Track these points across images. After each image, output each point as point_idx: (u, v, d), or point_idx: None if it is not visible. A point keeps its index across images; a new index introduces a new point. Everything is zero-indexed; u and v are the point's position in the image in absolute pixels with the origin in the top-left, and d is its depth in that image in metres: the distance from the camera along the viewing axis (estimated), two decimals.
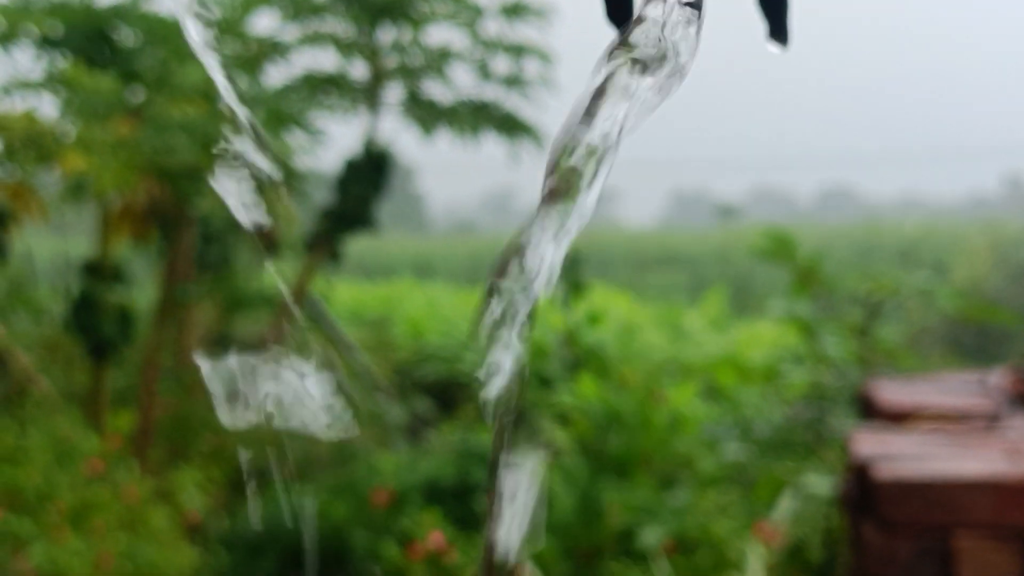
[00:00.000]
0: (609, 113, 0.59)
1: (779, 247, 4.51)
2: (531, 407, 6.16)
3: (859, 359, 4.38)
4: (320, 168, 6.03)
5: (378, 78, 5.85)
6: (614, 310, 7.07)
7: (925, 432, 2.49)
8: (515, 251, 0.57)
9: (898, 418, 2.64)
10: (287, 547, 4.54)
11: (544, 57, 5.74)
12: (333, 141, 5.77)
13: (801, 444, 4.31)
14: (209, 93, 4.98)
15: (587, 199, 0.59)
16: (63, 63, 4.98)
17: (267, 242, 5.95)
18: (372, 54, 5.83)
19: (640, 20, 0.59)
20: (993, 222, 10.77)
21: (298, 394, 0.68)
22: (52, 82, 4.92)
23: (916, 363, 4.76)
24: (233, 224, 5.81)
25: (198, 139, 4.75)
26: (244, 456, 5.21)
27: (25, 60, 4.99)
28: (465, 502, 4.60)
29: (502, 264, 0.57)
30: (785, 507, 3.98)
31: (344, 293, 8.12)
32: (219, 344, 6.04)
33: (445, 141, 5.76)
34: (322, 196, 5.94)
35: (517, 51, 5.72)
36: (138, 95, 4.97)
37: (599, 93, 0.59)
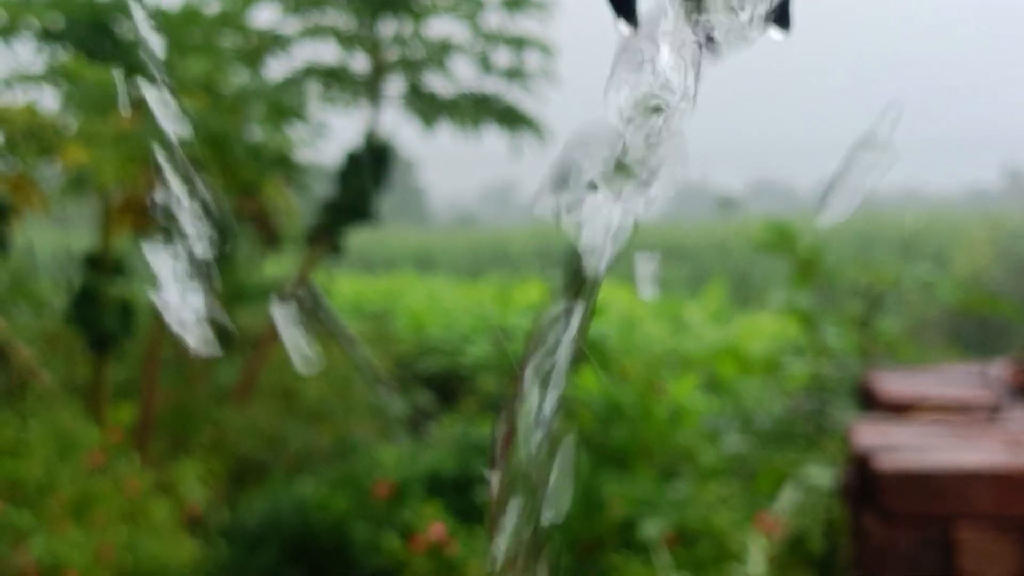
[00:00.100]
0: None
1: (779, 239, 4.51)
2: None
3: (860, 351, 4.39)
4: (321, 161, 6.03)
5: (379, 71, 5.85)
6: (614, 303, 7.07)
7: (926, 423, 2.50)
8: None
9: (899, 409, 2.64)
10: (288, 539, 4.55)
11: (545, 50, 5.74)
12: (334, 134, 5.77)
13: (802, 436, 4.31)
14: (211, 86, 4.98)
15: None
16: (64, 56, 4.98)
17: (268, 236, 5.95)
18: (373, 47, 5.83)
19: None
20: (994, 214, 10.77)
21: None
22: (53, 75, 4.92)
23: (917, 355, 4.76)
24: (234, 217, 5.81)
25: (199, 132, 4.75)
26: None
27: (26, 53, 4.99)
28: (466, 494, 4.61)
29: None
30: (786, 499, 3.99)
31: (345, 286, 8.12)
32: (220, 337, 6.04)
33: (446, 134, 5.76)
34: (323, 189, 5.94)
35: (518, 44, 5.72)
36: (139, 88, 4.97)
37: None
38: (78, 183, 4.94)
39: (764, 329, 6.92)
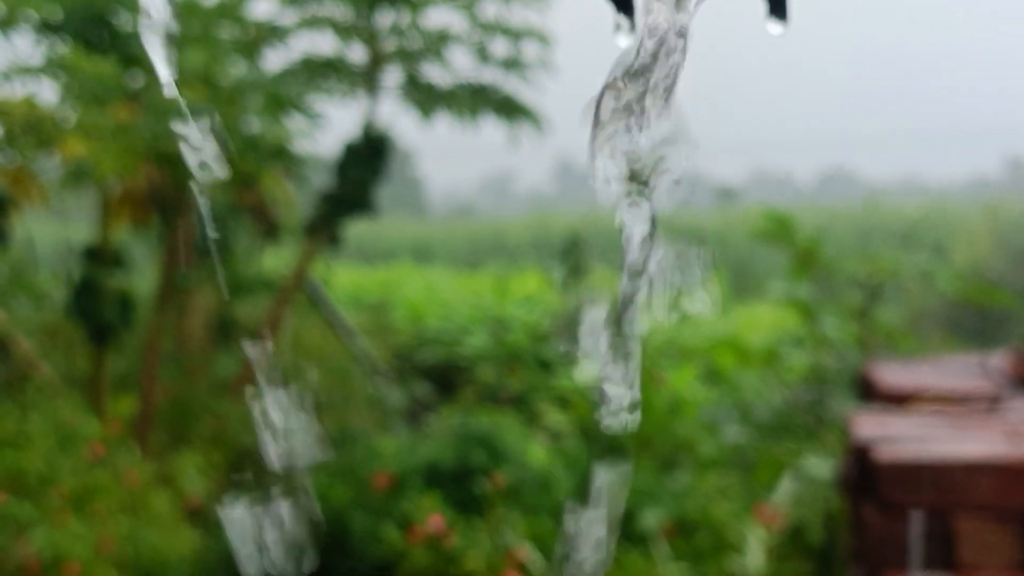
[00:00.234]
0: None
1: (779, 229, 4.51)
2: (531, 391, 6.16)
3: (859, 341, 4.39)
4: (319, 152, 6.03)
5: (376, 62, 5.84)
6: (614, 293, 7.07)
7: (925, 414, 2.50)
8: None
9: (898, 400, 2.64)
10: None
11: (543, 40, 5.73)
12: (332, 125, 5.77)
13: (801, 427, 4.31)
14: (209, 78, 4.98)
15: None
16: (63, 48, 4.98)
17: (266, 227, 5.95)
18: (370, 38, 5.82)
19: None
20: (994, 204, 10.76)
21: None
22: (52, 67, 4.91)
23: (916, 345, 4.76)
24: (233, 209, 5.81)
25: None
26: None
27: (25, 45, 4.99)
28: (465, 485, 4.61)
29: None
30: (785, 489, 3.99)
31: (343, 277, 8.12)
32: (220, 329, 6.05)
33: (444, 125, 5.75)
34: (321, 180, 5.94)
35: (515, 34, 5.71)
36: (137, 80, 4.97)
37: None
38: (77, 175, 4.94)
39: (763, 320, 6.92)
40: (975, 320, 7.34)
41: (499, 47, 5.74)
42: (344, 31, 5.79)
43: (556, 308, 6.73)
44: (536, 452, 4.93)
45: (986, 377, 2.82)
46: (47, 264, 6.39)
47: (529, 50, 5.74)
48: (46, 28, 5.01)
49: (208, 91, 4.86)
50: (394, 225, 12.50)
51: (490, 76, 5.76)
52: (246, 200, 5.82)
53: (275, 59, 5.79)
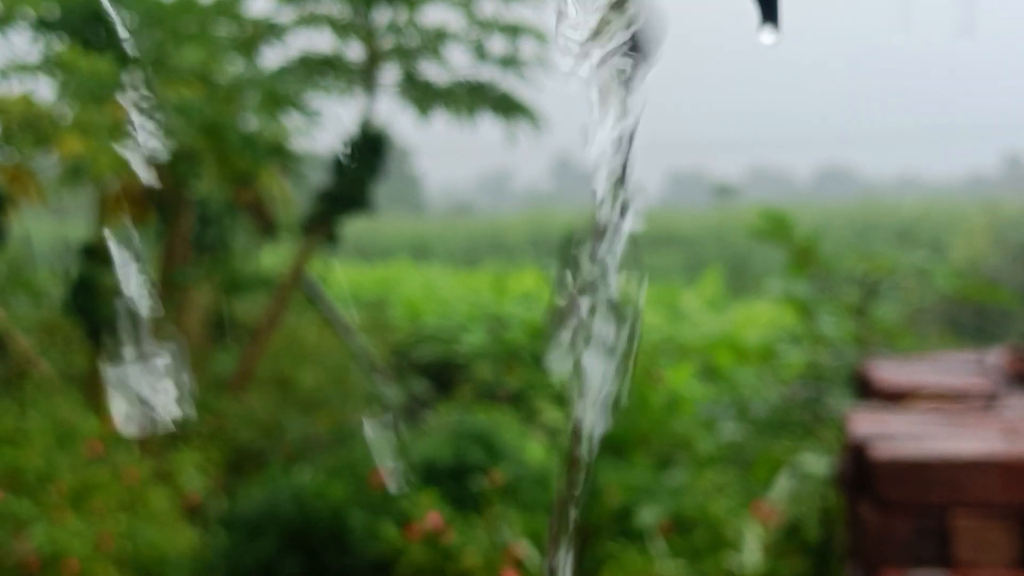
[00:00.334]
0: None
1: (776, 227, 4.51)
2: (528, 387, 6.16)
3: (856, 339, 4.39)
4: (316, 150, 6.03)
5: (374, 59, 5.84)
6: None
7: (923, 412, 2.50)
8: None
9: (895, 398, 2.65)
10: (286, 528, 4.55)
11: (540, 37, 5.73)
12: (329, 123, 5.77)
13: (798, 424, 4.32)
14: (206, 75, 4.98)
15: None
16: (60, 46, 4.97)
17: (264, 225, 5.95)
18: (368, 35, 5.82)
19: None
20: (992, 201, 10.77)
21: None
22: (49, 65, 4.91)
23: (914, 343, 4.76)
24: (230, 206, 5.81)
25: (195, 122, 4.75)
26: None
27: (22, 43, 4.98)
28: (462, 483, 4.61)
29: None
30: (782, 487, 4.00)
31: (341, 275, 8.12)
32: (218, 327, 6.05)
33: (441, 122, 5.75)
34: (319, 178, 5.94)
35: (513, 31, 5.71)
36: (135, 78, 4.96)
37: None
38: (74, 173, 4.93)
39: (761, 317, 6.93)
40: (973, 317, 7.35)
41: (497, 45, 5.74)
42: (341, 29, 5.79)
43: (550, 304, 6.75)
44: (534, 449, 4.94)
45: (983, 374, 2.82)
46: (45, 262, 6.39)
47: (526, 48, 5.74)
48: (43, 25, 5.01)
49: (206, 89, 4.86)
50: (392, 223, 12.50)
51: (488, 74, 5.77)
52: (244, 198, 5.82)
53: (273, 57, 5.80)
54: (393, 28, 5.79)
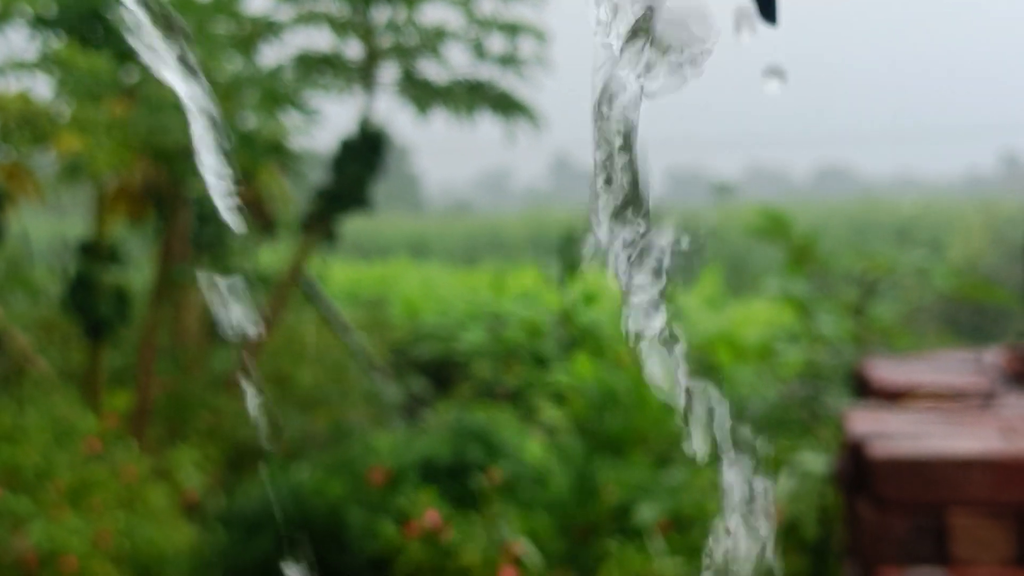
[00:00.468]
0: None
1: (774, 226, 4.51)
2: (529, 386, 6.16)
3: (854, 338, 4.39)
4: (315, 148, 6.02)
5: (373, 58, 5.84)
6: (610, 290, 7.08)
7: (920, 410, 2.50)
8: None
9: (893, 396, 2.65)
10: (285, 525, 4.55)
11: (539, 36, 5.73)
12: (328, 121, 5.77)
13: (796, 422, 4.32)
14: (205, 73, 4.97)
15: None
16: (57, 43, 4.97)
17: (262, 223, 5.95)
18: (366, 33, 5.82)
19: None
20: (989, 201, 10.78)
21: None
22: (46, 62, 4.91)
23: (911, 342, 4.77)
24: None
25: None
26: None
27: (19, 40, 4.98)
28: (461, 481, 4.62)
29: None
30: (780, 485, 4.00)
31: (340, 273, 8.13)
32: (216, 324, 6.04)
33: (440, 121, 5.76)
34: (317, 176, 5.94)
35: (512, 30, 5.71)
36: (132, 75, 4.96)
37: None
38: (72, 171, 4.93)
39: (759, 316, 6.93)
40: (971, 316, 7.36)
41: (495, 43, 5.74)
42: (340, 27, 5.79)
43: (552, 304, 6.73)
44: (532, 448, 4.94)
45: (981, 373, 2.82)
46: (43, 259, 6.39)
47: (525, 46, 5.74)
48: (41, 23, 5.01)
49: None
50: (391, 221, 12.50)
51: (487, 72, 5.77)
52: (242, 196, 5.81)
53: (271, 55, 5.79)
54: (392, 26, 5.79)
